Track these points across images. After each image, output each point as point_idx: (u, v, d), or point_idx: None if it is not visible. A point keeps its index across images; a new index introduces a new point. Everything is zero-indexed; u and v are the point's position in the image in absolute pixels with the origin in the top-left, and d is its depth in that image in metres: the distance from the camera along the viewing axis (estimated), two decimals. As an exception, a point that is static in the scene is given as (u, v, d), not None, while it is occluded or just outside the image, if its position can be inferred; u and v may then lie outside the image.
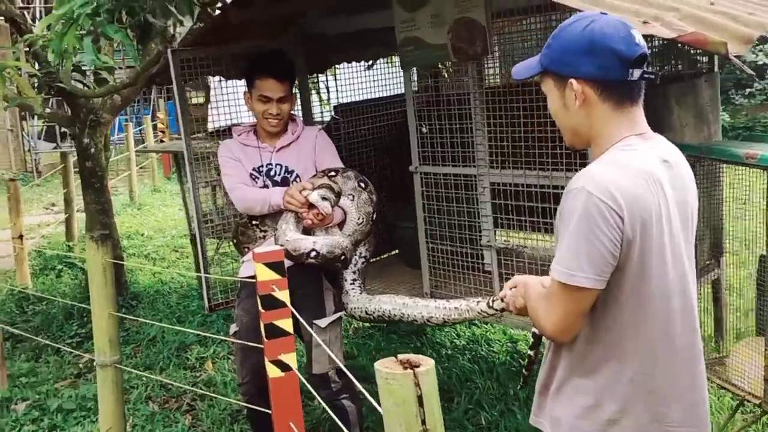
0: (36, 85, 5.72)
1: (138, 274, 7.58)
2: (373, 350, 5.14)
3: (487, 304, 2.75)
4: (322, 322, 3.39)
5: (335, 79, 5.29)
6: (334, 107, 5.04)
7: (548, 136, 3.33)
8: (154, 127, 14.70)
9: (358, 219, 3.42)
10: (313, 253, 3.23)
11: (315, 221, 3.31)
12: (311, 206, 3.28)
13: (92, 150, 6.37)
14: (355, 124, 4.87)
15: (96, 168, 6.42)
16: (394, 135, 4.91)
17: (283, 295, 2.81)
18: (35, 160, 16.07)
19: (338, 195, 3.35)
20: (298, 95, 4.19)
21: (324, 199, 3.26)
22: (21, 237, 7.21)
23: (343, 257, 3.30)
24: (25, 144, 16.58)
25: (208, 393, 4.65)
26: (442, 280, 4.18)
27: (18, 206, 7.25)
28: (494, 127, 3.77)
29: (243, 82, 4.09)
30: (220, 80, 4.72)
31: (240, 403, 3.88)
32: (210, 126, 5.43)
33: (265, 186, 3.54)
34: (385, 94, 5.16)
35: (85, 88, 5.42)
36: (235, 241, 3.77)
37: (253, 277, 2.74)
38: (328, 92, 5.42)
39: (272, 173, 3.56)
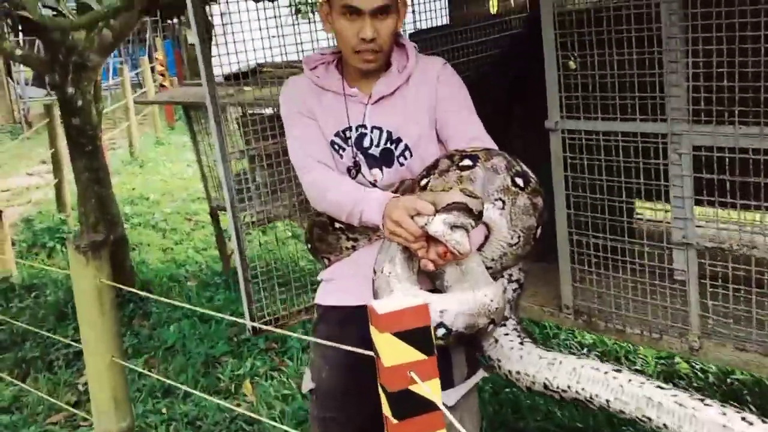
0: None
1: (146, 250, 6.27)
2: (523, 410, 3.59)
3: None
4: (450, 398, 2.08)
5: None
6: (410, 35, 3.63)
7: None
8: (152, 70, 13.17)
9: (511, 238, 1.99)
10: (441, 331, 1.84)
11: (440, 262, 1.90)
12: (432, 239, 1.87)
13: (79, 102, 4.98)
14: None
15: (86, 126, 5.04)
16: (500, 69, 3.52)
17: (434, 390, 1.50)
18: (23, 109, 14.54)
19: (478, 216, 1.88)
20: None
21: (455, 228, 1.82)
22: None
23: (490, 325, 1.93)
24: (12, 91, 15.05)
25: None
26: (593, 289, 2.85)
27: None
28: (698, 58, 2.37)
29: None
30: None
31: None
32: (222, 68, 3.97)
33: (356, 163, 2.17)
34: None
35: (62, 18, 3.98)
36: (309, 245, 2.43)
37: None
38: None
39: (366, 142, 2.18)
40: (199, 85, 3.38)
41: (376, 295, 1.95)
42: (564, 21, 2.63)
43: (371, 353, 1.56)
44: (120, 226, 5.33)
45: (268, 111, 3.48)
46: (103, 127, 5.42)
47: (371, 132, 2.16)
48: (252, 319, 3.18)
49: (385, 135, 2.15)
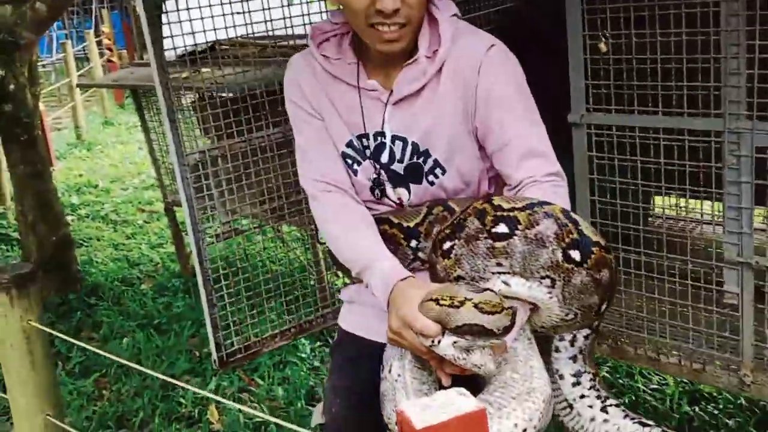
0: None
1: (95, 246, 5.70)
2: None
3: None
4: None
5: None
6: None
7: None
8: (99, 44, 12.37)
9: (566, 315, 1.47)
10: None
11: (455, 372, 1.44)
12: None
13: (11, 86, 4.38)
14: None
15: (20, 113, 4.45)
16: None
17: None
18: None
19: (504, 331, 1.37)
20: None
21: (469, 351, 1.38)
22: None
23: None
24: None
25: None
26: (621, 309, 2.44)
27: None
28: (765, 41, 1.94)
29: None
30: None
31: None
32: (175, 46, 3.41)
33: (378, 182, 1.68)
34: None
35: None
36: (332, 258, 1.92)
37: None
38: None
39: (385, 156, 1.68)
40: (149, 65, 2.87)
41: (381, 401, 1.55)
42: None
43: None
44: (64, 224, 4.77)
45: (229, 95, 2.98)
46: (48, 106, 4.82)
47: (392, 143, 1.66)
48: (218, 349, 2.71)
49: (410, 148, 1.65)
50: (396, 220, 1.68)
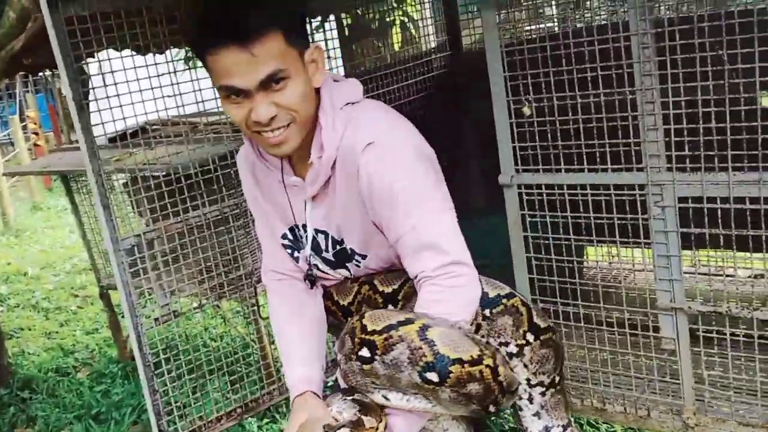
0: None
1: (26, 337, 5.49)
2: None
3: None
4: None
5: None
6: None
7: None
8: (24, 128, 12.14)
9: (459, 410, 1.56)
10: None
11: None
12: None
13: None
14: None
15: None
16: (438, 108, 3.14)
17: None
18: None
19: None
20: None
21: None
22: None
23: None
24: None
25: None
26: (566, 363, 2.48)
27: None
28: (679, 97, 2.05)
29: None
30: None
31: None
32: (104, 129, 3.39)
33: (308, 275, 1.71)
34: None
35: None
36: None
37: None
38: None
39: (316, 246, 1.76)
40: (77, 149, 2.83)
41: None
42: (514, 59, 2.27)
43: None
44: (-8, 316, 4.59)
45: (162, 175, 2.96)
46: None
47: (315, 235, 1.72)
48: (163, 435, 2.62)
49: (330, 239, 1.71)
50: (336, 297, 1.74)
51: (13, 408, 4.32)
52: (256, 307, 2.91)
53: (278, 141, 1.55)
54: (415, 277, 1.60)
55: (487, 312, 1.65)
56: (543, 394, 1.74)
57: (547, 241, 2.40)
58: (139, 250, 2.60)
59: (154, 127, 3.25)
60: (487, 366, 1.45)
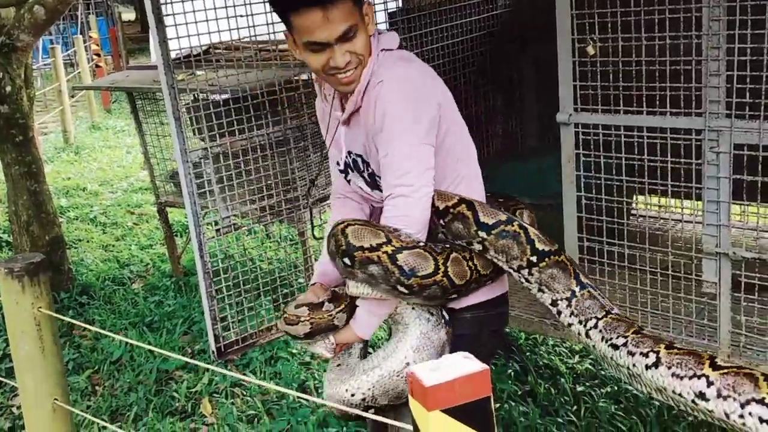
0: None
1: (84, 248, 5.74)
2: None
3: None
4: None
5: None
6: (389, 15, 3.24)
7: None
8: (86, 49, 12.37)
9: (401, 294, 1.91)
10: None
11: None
12: None
13: (8, 88, 4.44)
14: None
15: (16, 114, 4.51)
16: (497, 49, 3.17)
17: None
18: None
19: (308, 335, 1.95)
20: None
21: (310, 344, 2.00)
22: None
23: None
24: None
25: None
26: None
27: None
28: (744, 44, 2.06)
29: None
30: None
31: None
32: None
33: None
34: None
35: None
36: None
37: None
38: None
39: (357, 167, 2.07)
40: (144, 68, 2.94)
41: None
42: (582, -1, 2.29)
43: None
44: (56, 225, 4.81)
45: (224, 96, 3.07)
46: (33, 119, 4.87)
47: (354, 157, 2.05)
48: (216, 340, 2.79)
49: (362, 161, 2.03)
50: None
51: (72, 311, 4.57)
52: (310, 227, 3.03)
53: (350, 80, 1.92)
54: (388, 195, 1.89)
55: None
56: (531, 273, 1.83)
57: (598, 182, 2.45)
58: (203, 164, 2.72)
59: (217, 50, 3.35)
60: (384, 252, 1.79)
